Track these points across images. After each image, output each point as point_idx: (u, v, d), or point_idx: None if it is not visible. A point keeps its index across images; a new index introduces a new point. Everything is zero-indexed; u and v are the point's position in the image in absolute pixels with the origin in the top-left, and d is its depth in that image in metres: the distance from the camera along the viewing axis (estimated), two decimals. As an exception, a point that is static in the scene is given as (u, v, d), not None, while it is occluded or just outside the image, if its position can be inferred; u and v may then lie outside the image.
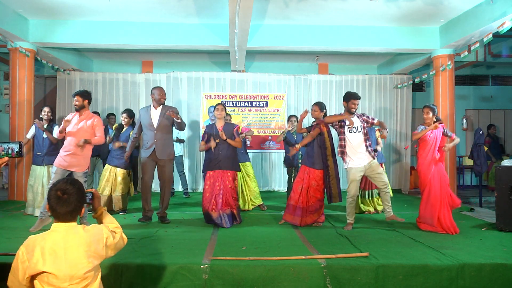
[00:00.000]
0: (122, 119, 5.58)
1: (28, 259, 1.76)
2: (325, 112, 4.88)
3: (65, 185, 1.86)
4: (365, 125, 4.60)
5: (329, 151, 4.65)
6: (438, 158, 4.50)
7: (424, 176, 4.54)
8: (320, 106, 4.81)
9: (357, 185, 4.57)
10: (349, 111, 4.59)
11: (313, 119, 4.91)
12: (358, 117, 4.61)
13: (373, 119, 4.67)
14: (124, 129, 5.55)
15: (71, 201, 1.84)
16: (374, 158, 4.57)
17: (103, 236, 1.93)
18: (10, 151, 2.04)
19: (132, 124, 5.55)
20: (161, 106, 4.82)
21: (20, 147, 2.04)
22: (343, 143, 4.59)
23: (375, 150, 5.53)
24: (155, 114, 4.78)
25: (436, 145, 4.50)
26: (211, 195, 4.70)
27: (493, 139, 8.54)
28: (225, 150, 4.75)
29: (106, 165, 5.47)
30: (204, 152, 5.04)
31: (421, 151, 4.59)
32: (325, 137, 4.66)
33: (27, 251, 1.78)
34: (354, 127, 4.53)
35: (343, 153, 4.59)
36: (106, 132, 5.53)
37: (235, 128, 4.86)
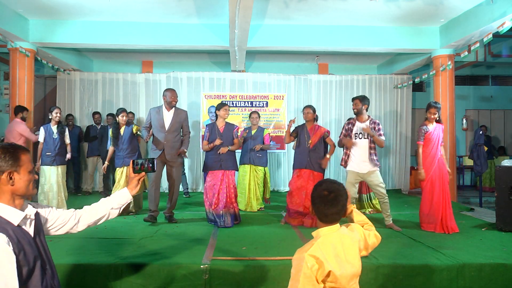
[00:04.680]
0: (121, 118, 5.50)
1: (319, 265, 1.65)
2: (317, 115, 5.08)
3: (331, 184, 1.77)
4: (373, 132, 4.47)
5: None
6: (440, 155, 4.52)
7: (425, 173, 4.55)
8: (314, 108, 4.95)
9: (352, 188, 4.52)
10: (355, 113, 4.57)
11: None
12: (370, 123, 4.52)
13: (379, 133, 4.47)
14: (123, 127, 5.50)
15: (339, 200, 1.75)
16: (376, 167, 4.47)
17: (363, 234, 1.90)
18: (146, 166, 2.11)
19: (127, 123, 5.57)
20: (174, 108, 4.87)
21: (153, 163, 2.12)
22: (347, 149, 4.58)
23: None
24: (168, 117, 4.83)
25: (438, 142, 4.52)
26: (213, 195, 4.72)
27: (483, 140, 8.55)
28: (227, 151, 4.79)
29: (118, 168, 5.44)
30: (205, 151, 5.04)
31: (425, 148, 4.59)
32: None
33: (315, 259, 1.67)
34: (360, 133, 4.50)
35: (347, 156, 4.57)
36: (103, 132, 5.52)
37: (235, 129, 4.92)
